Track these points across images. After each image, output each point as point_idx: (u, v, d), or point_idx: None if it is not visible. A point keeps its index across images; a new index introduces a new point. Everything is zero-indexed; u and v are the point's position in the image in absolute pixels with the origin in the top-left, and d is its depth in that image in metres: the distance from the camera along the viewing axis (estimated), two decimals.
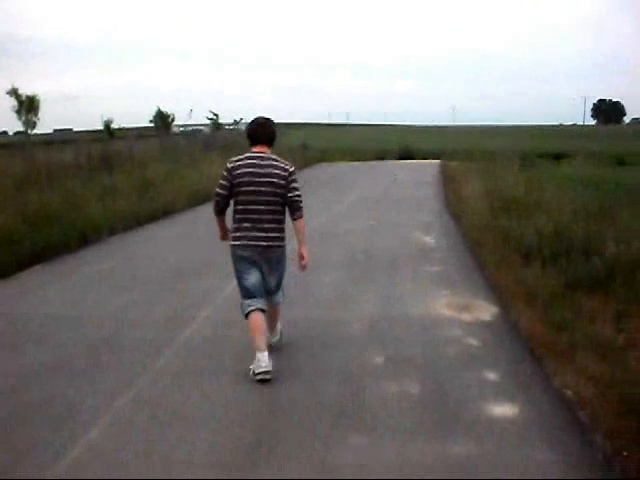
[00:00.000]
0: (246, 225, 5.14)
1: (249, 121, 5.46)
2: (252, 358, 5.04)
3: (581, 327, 5.73)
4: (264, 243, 5.15)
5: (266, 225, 5.13)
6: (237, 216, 5.20)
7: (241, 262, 5.22)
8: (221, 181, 5.22)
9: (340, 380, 5.02)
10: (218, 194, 5.25)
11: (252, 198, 5.10)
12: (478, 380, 4.99)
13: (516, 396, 4.69)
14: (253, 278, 5.20)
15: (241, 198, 5.14)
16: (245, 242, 5.15)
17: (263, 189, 5.09)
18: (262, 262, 5.21)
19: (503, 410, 4.47)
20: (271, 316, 5.51)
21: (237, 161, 5.17)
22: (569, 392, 4.60)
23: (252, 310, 5.16)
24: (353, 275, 8.38)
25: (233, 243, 5.23)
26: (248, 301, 5.21)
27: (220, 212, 5.38)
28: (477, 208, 12.51)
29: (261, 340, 5.07)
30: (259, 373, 4.96)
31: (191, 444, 4.04)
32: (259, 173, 5.09)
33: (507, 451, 3.93)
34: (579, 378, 4.72)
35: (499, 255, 8.61)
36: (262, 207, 5.11)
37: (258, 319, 5.15)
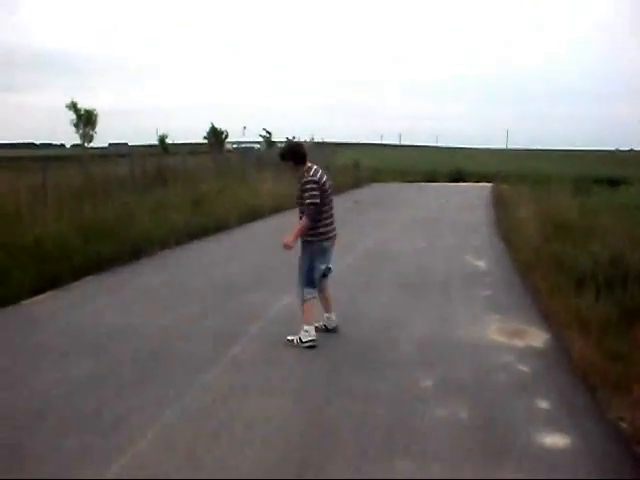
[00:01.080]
0: (329, 221, 6.38)
1: (293, 143, 6.76)
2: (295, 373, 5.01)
3: (636, 358, 5.57)
4: (336, 232, 6.50)
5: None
6: (324, 215, 6.29)
7: (323, 253, 6.38)
8: (315, 192, 6.17)
9: (389, 402, 4.96)
10: (316, 203, 6.18)
11: (330, 199, 6.40)
12: (529, 408, 4.88)
13: (568, 426, 4.57)
14: (321, 269, 6.37)
15: (326, 201, 6.30)
16: (331, 234, 6.40)
17: (331, 192, 6.46)
18: (332, 249, 6.49)
19: (554, 440, 4.35)
20: (327, 297, 6.71)
21: (318, 173, 6.30)
22: (624, 425, 4.46)
23: (314, 297, 6.40)
24: (404, 297, 8.32)
25: (319, 238, 6.30)
26: (312, 290, 6.37)
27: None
28: (529, 233, 12.31)
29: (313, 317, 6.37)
30: (309, 341, 6.22)
31: (234, 460, 4.03)
32: (328, 181, 6.39)
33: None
34: (635, 411, 4.58)
35: (551, 281, 8.44)
36: (332, 205, 6.47)
37: (314, 304, 6.41)
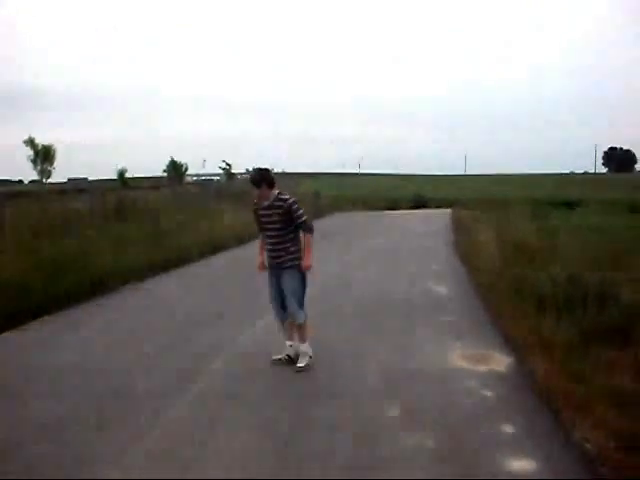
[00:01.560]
0: None
1: (262, 169, 6.57)
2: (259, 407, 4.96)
3: (599, 378, 5.63)
4: None
5: None
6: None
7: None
8: (302, 210, 6.45)
9: (355, 432, 4.94)
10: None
11: None
12: (495, 433, 4.89)
13: (534, 450, 4.59)
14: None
15: None
16: None
17: None
18: None
19: (521, 465, 4.36)
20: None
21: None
22: (589, 446, 4.50)
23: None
24: (366, 325, 8.31)
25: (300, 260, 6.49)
26: (304, 310, 6.55)
27: None
28: (489, 257, 12.45)
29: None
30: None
31: None
32: None
33: None
34: (599, 432, 4.62)
35: (512, 304, 8.52)
36: None
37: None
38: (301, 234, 6.48)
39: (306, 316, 6.60)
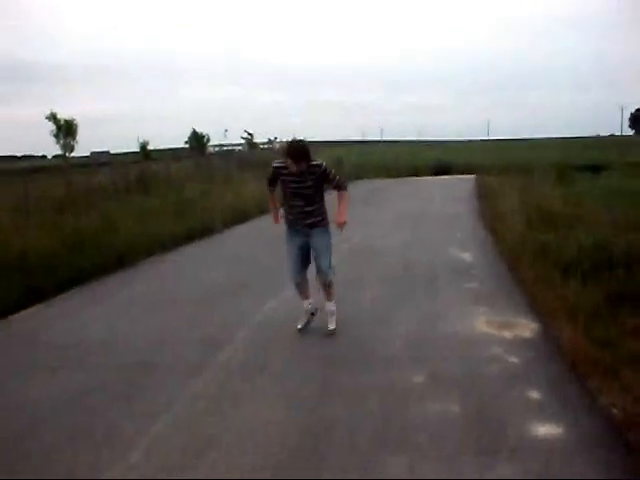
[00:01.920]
0: None
1: (303, 143, 6.53)
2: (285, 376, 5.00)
3: (626, 344, 5.59)
4: None
5: None
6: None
7: None
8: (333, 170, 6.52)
9: (382, 399, 4.96)
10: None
11: None
12: (520, 399, 4.88)
13: (560, 415, 4.57)
14: None
15: None
16: None
17: None
18: None
19: (547, 430, 4.36)
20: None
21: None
22: (615, 411, 4.48)
23: None
24: (392, 292, 8.31)
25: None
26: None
27: None
28: (514, 223, 12.34)
29: None
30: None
31: (225, 468, 4.02)
32: None
33: (552, 472, 3.83)
34: (626, 397, 4.60)
35: (537, 270, 8.46)
36: None
37: None
38: (336, 193, 6.58)
39: (335, 273, 6.74)
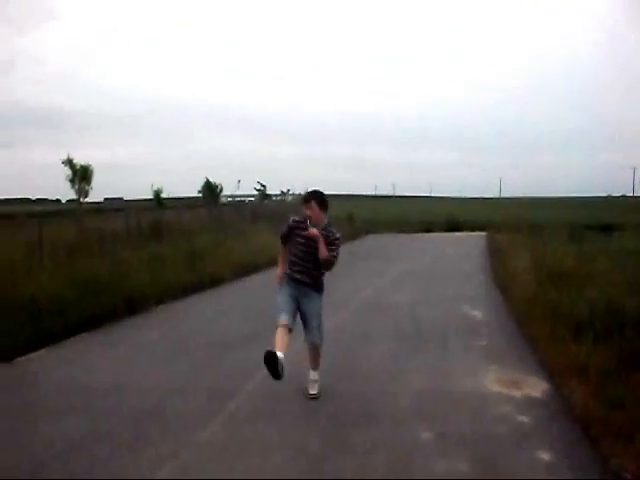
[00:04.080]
0: None
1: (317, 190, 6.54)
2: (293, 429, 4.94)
3: (638, 406, 5.52)
4: None
5: None
6: None
7: None
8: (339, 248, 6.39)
9: (389, 456, 4.89)
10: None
11: None
12: (530, 460, 4.81)
13: (570, 479, 4.50)
14: None
15: None
16: None
17: None
18: None
19: None
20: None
21: None
22: (628, 476, 4.40)
23: None
24: (401, 349, 8.25)
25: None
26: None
27: None
28: (525, 281, 12.31)
29: None
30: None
31: None
32: None
33: None
34: (638, 461, 4.52)
35: (548, 329, 8.41)
36: None
37: None
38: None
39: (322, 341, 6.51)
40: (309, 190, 6.61)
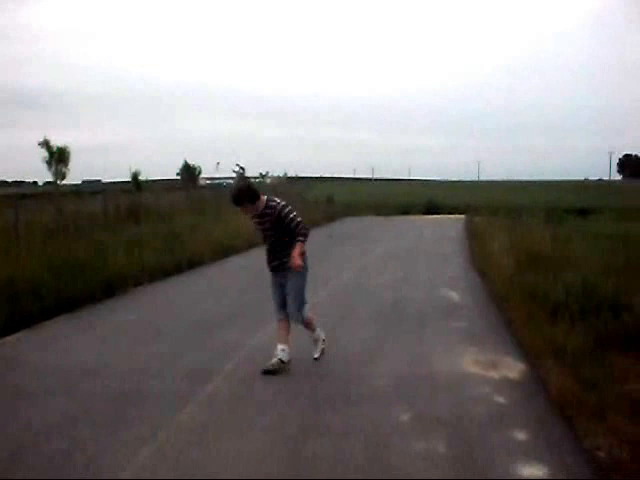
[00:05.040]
0: None
1: (241, 185, 6.58)
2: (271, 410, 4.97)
3: (613, 386, 5.60)
4: None
5: None
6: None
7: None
8: (295, 213, 6.38)
9: (366, 438, 4.92)
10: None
11: None
12: (506, 440, 4.87)
13: (545, 457, 4.55)
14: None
15: None
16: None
17: None
18: None
19: (532, 472, 4.34)
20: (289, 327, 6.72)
21: (279, 200, 6.49)
22: (601, 454, 4.46)
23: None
24: (380, 331, 8.29)
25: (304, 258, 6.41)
26: (305, 306, 6.59)
27: None
28: (503, 263, 12.40)
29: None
30: (323, 342, 6.84)
31: None
32: None
33: None
34: (612, 439, 4.59)
35: (526, 311, 8.48)
36: None
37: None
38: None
39: (307, 310, 6.62)
40: (232, 195, 6.45)
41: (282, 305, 6.55)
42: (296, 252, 6.23)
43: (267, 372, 6.34)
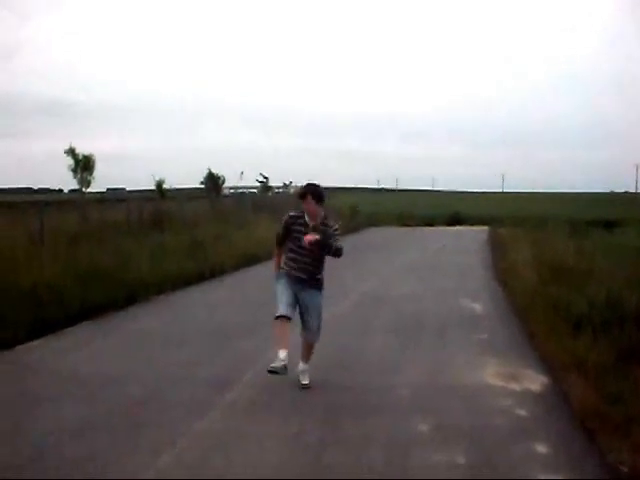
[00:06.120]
0: None
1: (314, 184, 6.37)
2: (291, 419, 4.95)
3: (637, 400, 5.52)
4: None
5: None
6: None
7: None
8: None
9: (386, 448, 4.90)
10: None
11: None
12: (528, 453, 4.82)
13: (567, 471, 4.51)
14: None
15: None
16: None
17: None
18: None
19: None
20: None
21: None
22: (624, 469, 4.41)
23: None
24: (400, 342, 8.25)
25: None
26: None
27: None
28: (526, 276, 12.31)
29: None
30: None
31: None
32: None
33: None
34: (635, 454, 4.53)
35: (548, 324, 8.41)
36: None
37: None
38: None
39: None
40: (305, 184, 6.48)
41: (291, 304, 6.20)
42: (316, 238, 6.02)
43: (272, 372, 5.93)
